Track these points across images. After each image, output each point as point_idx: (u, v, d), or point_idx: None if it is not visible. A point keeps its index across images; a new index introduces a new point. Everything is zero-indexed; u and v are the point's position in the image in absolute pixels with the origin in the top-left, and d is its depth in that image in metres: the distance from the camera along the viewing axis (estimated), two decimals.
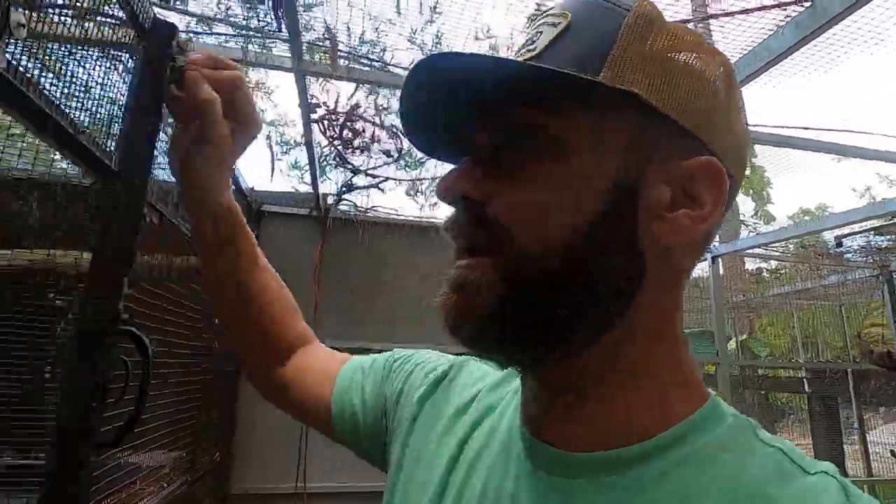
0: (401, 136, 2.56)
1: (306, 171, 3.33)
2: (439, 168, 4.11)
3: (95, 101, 1.30)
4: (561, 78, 0.35)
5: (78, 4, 1.24)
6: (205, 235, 0.68)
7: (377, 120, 2.41)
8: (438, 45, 3.45)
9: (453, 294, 0.40)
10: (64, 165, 2.72)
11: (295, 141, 3.24)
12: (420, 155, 3.38)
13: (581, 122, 0.37)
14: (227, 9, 1.51)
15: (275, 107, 2.97)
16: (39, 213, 2.37)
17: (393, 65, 1.99)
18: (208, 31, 1.57)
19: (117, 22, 1.41)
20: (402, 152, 2.70)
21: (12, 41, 0.92)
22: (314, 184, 2.81)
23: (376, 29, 2.73)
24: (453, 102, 0.41)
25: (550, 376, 0.41)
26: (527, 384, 0.44)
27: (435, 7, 3.07)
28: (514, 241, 0.37)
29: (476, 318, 0.38)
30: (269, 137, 3.01)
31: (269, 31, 1.50)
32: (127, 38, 1.47)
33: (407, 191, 3.64)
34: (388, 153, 2.62)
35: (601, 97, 0.36)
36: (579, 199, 0.37)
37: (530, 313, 0.37)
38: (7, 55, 0.90)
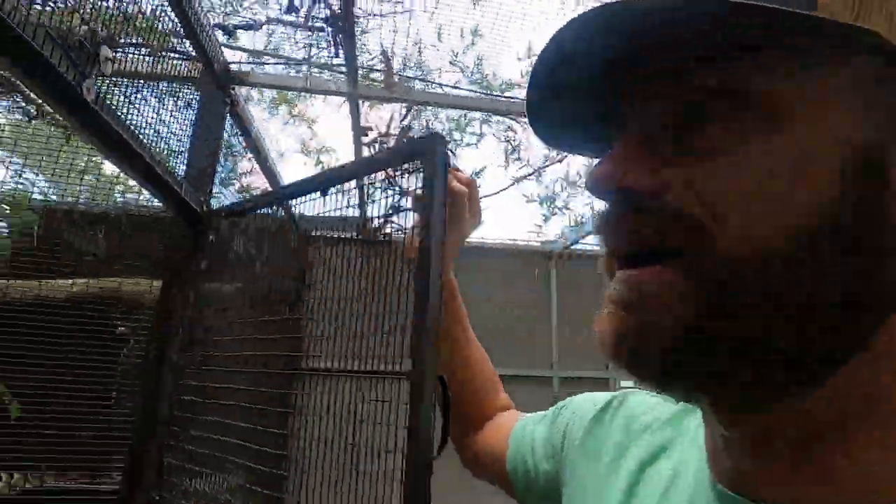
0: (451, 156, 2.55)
1: (353, 195, 3.37)
2: (483, 188, 4.08)
3: (169, 134, 1.36)
4: (767, 19, 0.25)
5: (155, 44, 1.30)
6: None
7: None
8: (479, 66, 3.47)
9: (622, 313, 0.31)
10: (123, 197, 2.85)
11: (342, 165, 3.30)
12: (467, 173, 3.37)
13: (798, 78, 0.28)
14: (288, 37, 1.56)
15: (315, 136, 3.07)
16: (107, 242, 2.48)
17: (443, 84, 2.00)
18: (270, 62, 1.62)
19: (187, 57, 1.48)
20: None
21: (99, 77, 0.97)
22: (361, 207, 2.83)
23: (420, 53, 2.77)
24: (602, 66, 0.32)
25: (761, 420, 0.31)
26: (720, 426, 0.33)
27: (475, 30, 3.10)
28: (711, 240, 0.28)
29: (659, 344, 0.29)
30: (319, 163, 3.08)
31: (328, 57, 1.54)
32: (195, 71, 1.54)
33: None
34: None
35: (820, 44, 0.27)
36: (805, 179, 0.27)
37: (738, 339, 0.28)
38: (95, 88, 0.94)
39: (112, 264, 2.29)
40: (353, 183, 1.18)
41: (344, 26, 1.29)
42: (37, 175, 2.53)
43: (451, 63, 3.04)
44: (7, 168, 2.51)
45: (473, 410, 0.77)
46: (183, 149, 1.49)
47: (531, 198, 3.40)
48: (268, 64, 1.79)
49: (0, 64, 0.71)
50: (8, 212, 2.53)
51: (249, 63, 1.63)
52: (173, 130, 1.33)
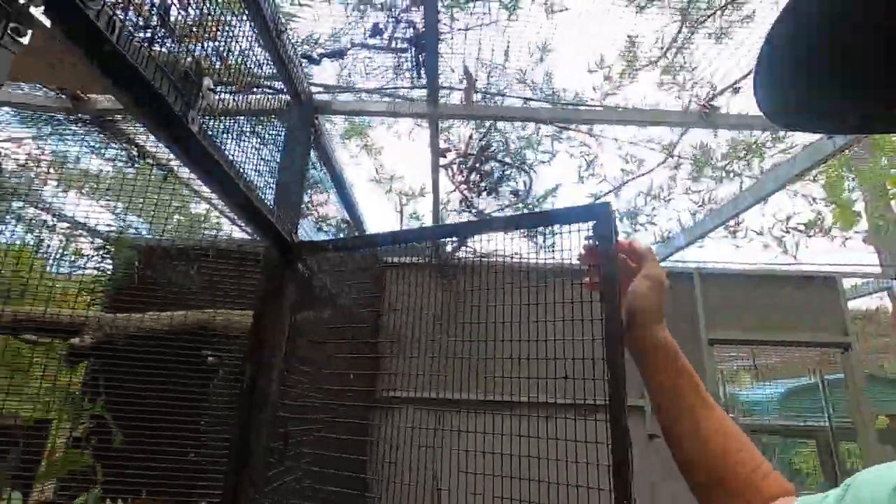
0: (530, 172, 2.47)
1: (425, 220, 3.36)
2: (556, 205, 3.94)
3: (261, 164, 1.37)
4: None
5: (248, 81, 1.33)
6: (647, 367, 0.75)
7: (508, 159, 2.35)
8: (549, 81, 3.40)
9: None
10: (218, 233, 2.99)
11: (412, 190, 3.32)
12: (540, 193, 3.25)
13: None
14: (370, 61, 1.56)
15: (382, 165, 3.08)
16: (199, 276, 2.60)
17: (524, 97, 1.93)
18: (354, 90, 1.64)
19: (276, 91, 1.51)
20: (529, 189, 2.60)
21: (202, 117, 0.98)
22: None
23: (489, 74, 2.73)
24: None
25: None
26: None
27: (544, 46, 3.03)
28: None
29: None
30: (390, 190, 3.11)
31: (411, 78, 1.52)
32: (284, 105, 1.57)
33: (524, 233, 3.51)
34: (516, 193, 2.53)
35: None
36: None
37: None
38: (199, 119, 0.95)
39: (206, 296, 2.38)
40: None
41: (427, 44, 1.26)
42: (139, 217, 2.72)
43: (518, 81, 2.98)
44: (112, 212, 2.72)
45: (729, 490, 0.65)
46: (272, 179, 1.51)
47: None
48: (344, 92, 1.81)
49: (112, 92, 0.71)
50: (112, 251, 2.73)
51: (330, 92, 1.64)
52: (265, 161, 1.35)
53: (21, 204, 2.71)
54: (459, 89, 1.68)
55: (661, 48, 2.78)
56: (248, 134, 1.29)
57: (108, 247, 2.77)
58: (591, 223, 0.98)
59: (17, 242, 2.70)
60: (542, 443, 1.30)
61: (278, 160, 1.55)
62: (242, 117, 1.32)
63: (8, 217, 2.71)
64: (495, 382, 1.78)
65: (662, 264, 3.83)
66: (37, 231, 2.73)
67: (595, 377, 1.02)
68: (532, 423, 1.47)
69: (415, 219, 3.29)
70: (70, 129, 2.28)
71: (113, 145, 2.27)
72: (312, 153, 1.77)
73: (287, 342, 1.46)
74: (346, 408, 1.88)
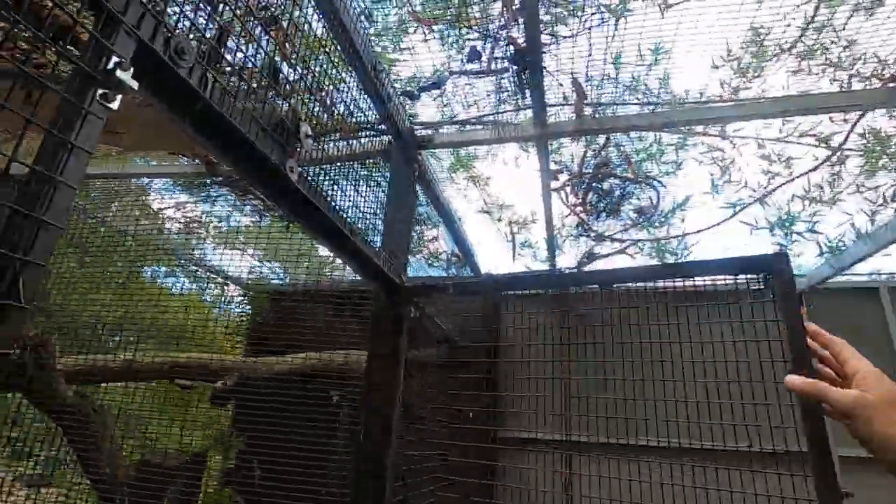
0: (658, 186, 2.20)
1: (538, 246, 3.18)
2: (688, 223, 3.51)
3: (366, 206, 1.35)
4: None
5: (350, 127, 1.34)
6: None
7: (629, 174, 2.12)
8: (667, 84, 3.08)
9: None
10: (346, 277, 3.12)
11: (522, 218, 3.17)
12: (667, 207, 2.91)
13: None
14: (470, 86, 1.50)
15: (489, 196, 2.99)
16: (322, 318, 2.71)
17: (643, 102, 1.72)
18: (459, 122, 1.59)
19: (379, 133, 1.51)
20: (657, 205, 2.32)
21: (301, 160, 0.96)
22: (552, 258, 2.62)
23: (599, 83, 2.53)
24: None
25: None
26: None
27: (657, 48, 2.75)
28: None
29: None
30: (500, 219, 3.02)
31: (514, 100, 1.42)
32: (386, 144, 1.56)
33: (650, 253, 3.14)
34: (640, 211, 2.27)
35: None
36: None
37: None
38: (298, 169, 0.93)
39: (329, 337, 2.45)
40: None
41: (530, 60, 1.15)
42: (273, 264, 2.95)
43: (632, 89, 2.73)
44: (253, 261, 2.99)
45: None
46: (377, 220, 1.49)
47: (758, 225, 2.74)
48: (446, 124, 1.76)
49: (208, 148, 0.70)
50: (251, 297, 2.98)
51: (432, 128, 1.61)
52: (369, 202, 1.33)
53: (183, 260, 3.10)
54: (568, 104, 1.54)
55: (801, 28, 2.37)
56: (350, 177, 1.28)
57: (248, 294, 3.04)
58: (761, 274, 0.95)
59: (184, 293, 3.09)
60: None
61: (383, 201, 1.53)
62: (348, 161, 1.32)
63: (177, 272, 3.12)
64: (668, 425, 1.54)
65: (836, 279, 3.17)
66: (197, 283, 3.11)
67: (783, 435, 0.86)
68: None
69: (527, 247, 3.13)
70: (212, 191, 2.55)
71: (244, 202, 2.49)
72: (418, 189, 1.74)
73: (401, 387, 1.39)
74: (465, 459, 1.75)
